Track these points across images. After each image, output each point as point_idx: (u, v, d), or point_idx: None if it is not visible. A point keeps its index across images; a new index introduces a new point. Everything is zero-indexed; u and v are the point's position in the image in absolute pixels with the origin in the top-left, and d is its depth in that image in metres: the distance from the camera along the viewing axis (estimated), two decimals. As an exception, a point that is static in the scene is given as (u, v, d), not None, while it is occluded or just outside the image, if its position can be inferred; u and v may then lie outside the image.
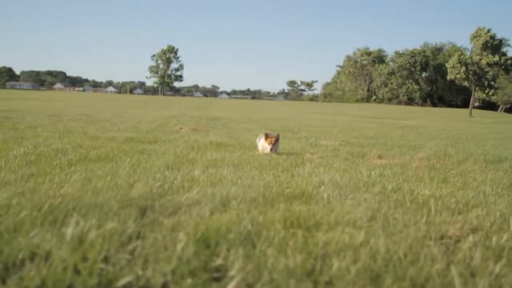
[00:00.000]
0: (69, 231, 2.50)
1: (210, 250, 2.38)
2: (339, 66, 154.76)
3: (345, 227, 2.88)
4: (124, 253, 2.29)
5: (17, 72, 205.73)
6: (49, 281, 1.90)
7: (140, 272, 2.08)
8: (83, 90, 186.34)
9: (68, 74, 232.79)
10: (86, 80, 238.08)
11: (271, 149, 6.86)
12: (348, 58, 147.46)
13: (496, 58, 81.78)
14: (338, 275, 2.14)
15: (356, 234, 2.71)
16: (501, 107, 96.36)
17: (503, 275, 2.24)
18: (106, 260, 2.20)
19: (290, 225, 2.86)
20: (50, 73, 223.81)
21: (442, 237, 2.82)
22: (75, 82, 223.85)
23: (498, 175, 5.65)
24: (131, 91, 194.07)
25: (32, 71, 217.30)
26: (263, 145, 7.00)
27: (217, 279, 2.07)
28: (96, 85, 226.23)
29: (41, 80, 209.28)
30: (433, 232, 2.87)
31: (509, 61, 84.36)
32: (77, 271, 2.02)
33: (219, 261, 2.24)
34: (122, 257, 2.23)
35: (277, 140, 7.00)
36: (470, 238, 2.82)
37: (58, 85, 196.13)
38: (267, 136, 6.98)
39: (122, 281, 1.96)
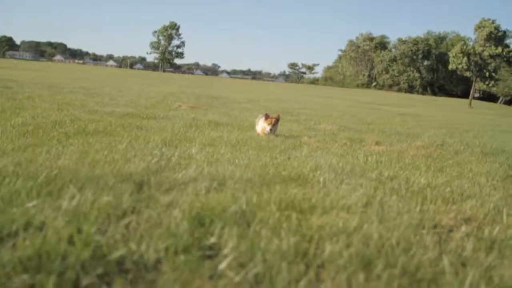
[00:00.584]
0: (65, 202, 2.50)
1: (204, 228, 2.39)
2: (341, 50, 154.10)
3: (340, 212, 2.89)
4: (119, 227, 2.29)
5: (17, 42, 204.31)
6: (43, 251, 1.91)
7: (134, 247, 2.09)
8: (83, 63, 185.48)
9: (69, 46, 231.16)
10: (87, 53, 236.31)
11: (270, 130, 6.84)
12: (351, 43, 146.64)
13: (499, 49, 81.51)
14: (330, 259, 2.15)
15: (350, 219, 2.72)
16: (501, 99, 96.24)
17: (493, 267, 2.26)
18: (100, 233, 2.21)
19: (285, 207, 2.87)
20: (50, 44, 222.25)
21: (435, 226, 2.83)
22: (75, 55, 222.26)
23: (494, 167, 5.66)
24: (131, 66, 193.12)
25: (32, 42, 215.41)
26: (262, 125, 6.97)
27: (210, 257, 2.08)
28: (96, 59, 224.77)
29: (41, 51, 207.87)
30: (427, 221, 2.88)
31: (511, 53, 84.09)
32: (71, 243, 2.03)
33: (213, 240, 2.25)
34: (117, 231, 2.24)
35: (277, 121, 6.98)
36: (463, 228, 2.84)
37: (58, 57, 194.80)
38: (267, 117, 6.95)
39: (116, 254, 1.97)
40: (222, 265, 2.00)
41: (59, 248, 1.94)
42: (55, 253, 1.90)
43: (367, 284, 1.98)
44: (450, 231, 2.80)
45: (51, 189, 2.78)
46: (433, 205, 3.33)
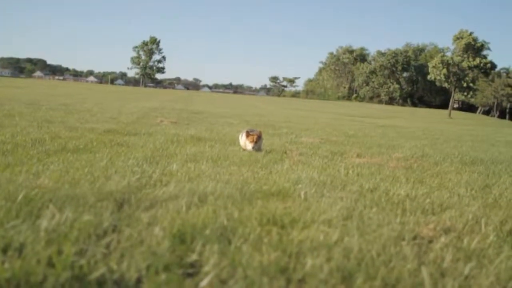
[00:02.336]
0: (44, 223, 2.48)
1: (185, 245, 2.39)
2: (322, 63, 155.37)
3: (320, 226, 2.91)
4: (99, 247, 2.28)
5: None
6: (22, 273, 1.89)
7: (115, 266, 2.08)
8: (63, 79, 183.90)
9: (48, 62, 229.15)
10: (67, 69, 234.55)
11: (253, 147, 6.65)
12: (331, 55, 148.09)
13: (477, 61, 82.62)
14: (311, 273, 2.16)
15: (331, 233, 2.74)
16: (479, 109, 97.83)
17: (472, 277, 2.29)
18: (80, 253, 2.19)
19: (266, 222, 2.88)
20: (30, 60, 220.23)
21: (415, 238, 2.86)
22: (55, 71, 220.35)
23: (473, 176, 5.74)
24: (112, 82, 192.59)
25: (11, 58, 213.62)
26: (245, 142, 6.81)
27: (191, 275, 2.08)
28: (76, 74, 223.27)
29: (21, 67, 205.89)
30: (407, 232, 2.91)
31: (488, 65, 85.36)
32: (51, 264, 2.02)
33: (194, 257, 2.25)
34: (97, 251, 2.23)
35: (259, 137, 6.78)
36: (443, 239, 2.87)
37: (38, 73, 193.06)
38: (248, 134, 6.77)
39: (96, 274, 1.96)
40: (203, 283, 2.00)
41: (38, 270, 1.93)
42: (34, 275, 1.89)
43: (348, 298, 1.99)
44: (430, 242, 2.83)
45: (30, 209, 2.76)
46: (413, 217, 3.36)
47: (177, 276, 2.04)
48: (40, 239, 2.27)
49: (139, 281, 2.00)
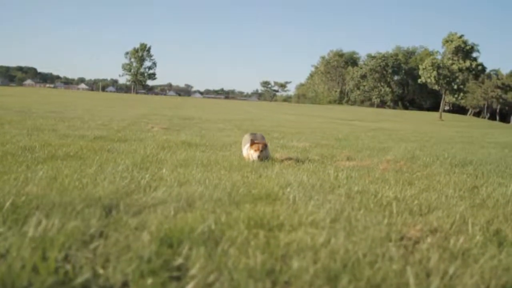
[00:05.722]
0: (30, 230, 2.48)
1: (172, 249, 2.39)
2: (314, 66, 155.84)
3: (308, 228, 2.92)
4: (86, 252, 2.29)
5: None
6: (6, 279, 1.90)
7: (101, 270, 2.08)
8: (54, 87, 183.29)
9: (39, 70, 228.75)
10: (58, 77, 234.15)
11: (258, 156, 6.22)
12: (322, 59, 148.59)
13: (468, 63, 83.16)
14: (297, 275, 2.18)
15: (318, 235, 2.76)
16: (470, 111, 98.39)
17: (457, 276, 2.31)
18: (66, 259, 2.20)
19: (254, 225, 2.89)
20: (20, 68, 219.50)
21: (401, 238, 2.88)
22: (46, 79, 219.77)
23: (461, 178, 5.77)
24: (103, 89, 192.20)
25: (1, 67, 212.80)
26: (248, 153, 6.39)
27: (177, 279, 2.09)
28: (67, 82, 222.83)
29: (11, 76, 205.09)
30: (393, 234, 2.93)
31: (479, 67, 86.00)
32: (36, 270, 2.02)
33: (180, 260, 2.26)
34: (83, 256, 2.23)
35: (265, 146, 6.38)
36: (429, 239, 2.89)
37: (29, 81, 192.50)
38: (253, 143, 6.33)
39: (81, 279, 1.97)
40: (189, 287, 2.01)
41: (23, 276, 1.93)
42: (19, 281, 1.89)
43: (333, 299, 2.01)
44: (416, 242, 2.85)
45: (17, 217, 2.76)
46: (400, 218, 3.38)
47: (162, 280, 2.04)
48: (26, 245, 2.27)
49: (125, 285, 2.00)
